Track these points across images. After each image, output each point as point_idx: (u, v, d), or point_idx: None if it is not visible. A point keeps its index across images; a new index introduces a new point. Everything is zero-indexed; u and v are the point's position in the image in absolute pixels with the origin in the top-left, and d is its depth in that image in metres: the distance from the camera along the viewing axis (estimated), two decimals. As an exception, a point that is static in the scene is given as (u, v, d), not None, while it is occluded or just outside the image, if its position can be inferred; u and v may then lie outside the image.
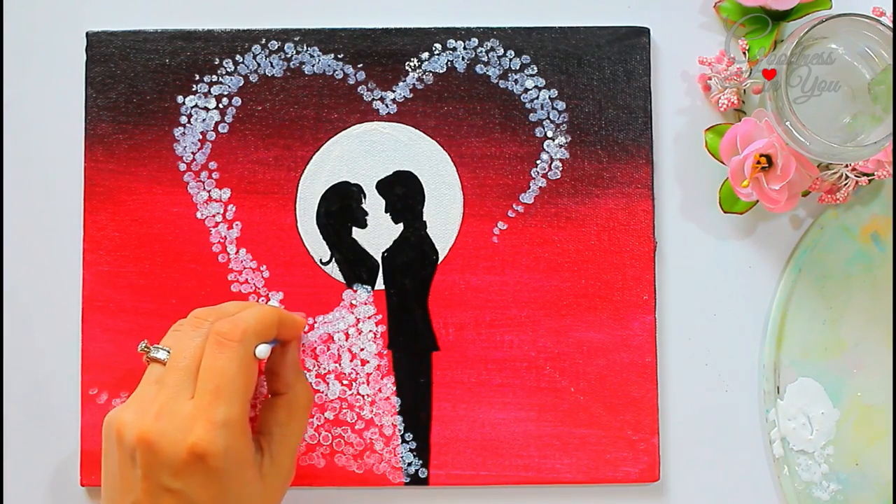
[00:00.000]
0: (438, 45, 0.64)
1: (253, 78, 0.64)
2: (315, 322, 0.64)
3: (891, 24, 0.60)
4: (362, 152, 0.64)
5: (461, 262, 0.64)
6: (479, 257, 0.64)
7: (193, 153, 0.64)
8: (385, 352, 0.64)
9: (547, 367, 0.63)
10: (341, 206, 0.64)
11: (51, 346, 0.63)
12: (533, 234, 0.64)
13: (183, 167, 0.64)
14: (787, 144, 0.59)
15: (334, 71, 0.64)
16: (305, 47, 0.64)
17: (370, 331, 0.64)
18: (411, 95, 0.64)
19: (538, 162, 0.64)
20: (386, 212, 0.64)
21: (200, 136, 0.64)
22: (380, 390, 0.63)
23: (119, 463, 0.53)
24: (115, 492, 0.54)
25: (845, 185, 0.63)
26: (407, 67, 0.64)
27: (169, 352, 0.55)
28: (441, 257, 0.64)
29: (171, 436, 0.52)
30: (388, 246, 0.64)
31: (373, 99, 0.64)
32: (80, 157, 0.64)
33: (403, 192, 0.64)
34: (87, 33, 0.64)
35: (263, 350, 0.55)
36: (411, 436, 0.63)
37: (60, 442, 0.63)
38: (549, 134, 0.64)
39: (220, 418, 0.52)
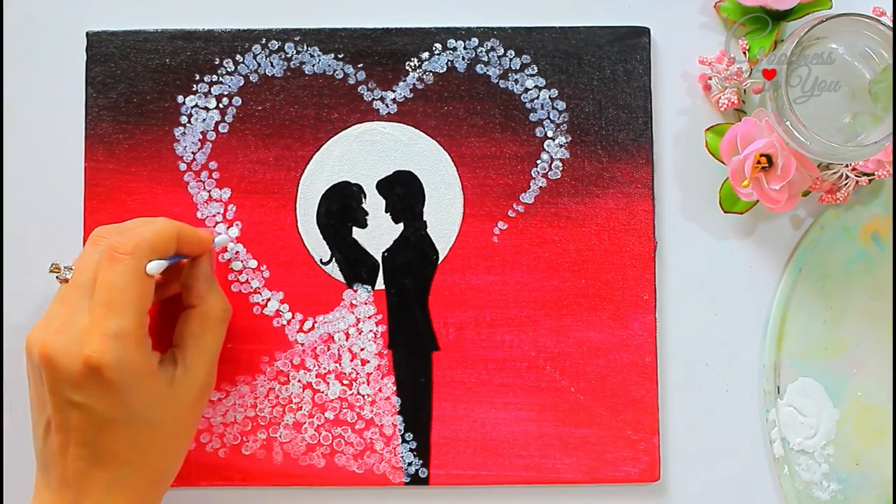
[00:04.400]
0: (439, 45, 0.64)
1: (253, 78, 0.64)
2: (315, 322, 0.64)
3: (891, 24, 0.60)
4: (362, 152, 0.64)
5: (461, 262, 0.64)
6: (479, 257, 0.64)
7: (194, 153, 0.64)
8: (385, 352, 0.64)
9: (547, 367, 0.63)
10: (341, 206, 0.64)
11: (51, 345, 0.63)
12: (533, 234, 0.64)
13: (183, 167, 0.64)
14: (788, 144, 0.59)
15: (334, 71, 0.64)
16: (305, 47, 0.64)
17: (370, 331, 0.64)
18: (411, 95, 0.64)
19: (538, 162, 0.64)
20: (386, 212, 0.64)
21: (201, 136, 0.64)
22: (380, 390, 0.63)
23: (33, 381, 0.55)
24: (35, 411, 0.56)
25: (845, 184, 0.63)
26: (407, 67, 0.64)
27: None
28: (441, 257, 0.64)
29: (68, 349, 0.53)
30: (388, 246, 0.64)
31: (373, 99, 0.64)
32: (80, 157, 0.64)
33: (404, 192, 0.64)
34: (87, 33, 0.64)
35: (155, 266, 0.55)
36: (411, 436, 0.63)
37: (60, 442, 0.63)
38: (550, 134, 0.64)
39: (112, 330, 0.53)
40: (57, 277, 0.56)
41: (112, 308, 0.53)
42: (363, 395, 0.63)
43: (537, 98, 0.64)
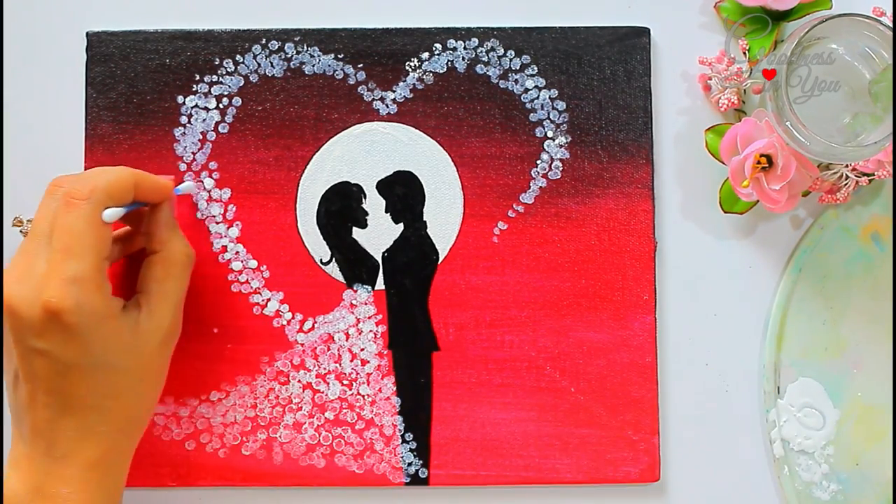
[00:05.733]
0: (439, 45, 0.64)
1: (253, 78, 0.64)
2: (315, 322, 0.64)
3: (891, 24, 0.60)
4: (362, 152, 0.64)
5: (461, 262, 0.64)
6: (479, 257, 0.64)
7: (194, 153, 0.64)
8: (385, 352, 0.64)
9: (547, 367, 0.63)
10: (341, 206, 0.64)
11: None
12: (533, 234, 0.64)
13: (183, 167, 0.64)
14: (788, 144, 0.59)
15: (334, 71, 0.64)
16: (305, 47, 0.64)
17: (370, 331, 0.64)
18: (411, 95, 0.64)
19: (538, 162, 0.64)
20: (386, 212, 0.64)
21: (201, 136, 0.64)
22: (380, 390, 0.63)
23: (3, 333, 0.55)
24: (5, 364, 0.56)
25: (845, 185, 0.63)
26: (407, 67, 0.64)
27: None
28: (441, 257, 0.64)
29: (28, 296, 0.53)
30: (388, 246, 0.64)
31: (373, 99, 0.64)
32: (80, 157, 0.64)
33: (404, 192, 0.64)
34: (87, 33, 0.64)
35: (111, 213, 0.55)
36: (411, 436, 0.63)
37: (60, 442, 0.63)
38: (550, 134, 0.64)
39: (69, 274, 0.53)
40: (20, 231, 0.57)
41: (69, 253, 0.53)
42: (363, 396, 0.63)
43: (537, 98, 0.64)
